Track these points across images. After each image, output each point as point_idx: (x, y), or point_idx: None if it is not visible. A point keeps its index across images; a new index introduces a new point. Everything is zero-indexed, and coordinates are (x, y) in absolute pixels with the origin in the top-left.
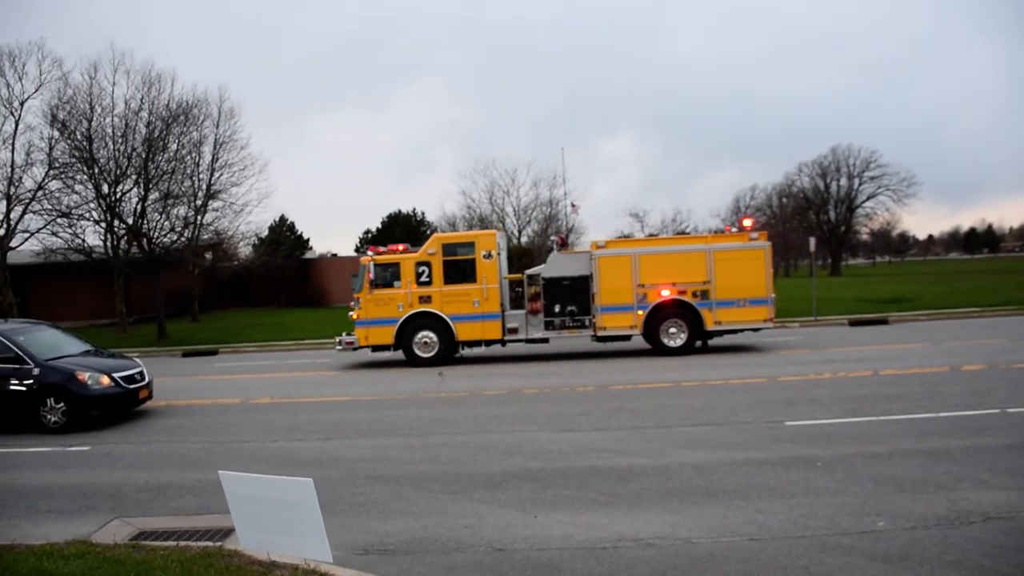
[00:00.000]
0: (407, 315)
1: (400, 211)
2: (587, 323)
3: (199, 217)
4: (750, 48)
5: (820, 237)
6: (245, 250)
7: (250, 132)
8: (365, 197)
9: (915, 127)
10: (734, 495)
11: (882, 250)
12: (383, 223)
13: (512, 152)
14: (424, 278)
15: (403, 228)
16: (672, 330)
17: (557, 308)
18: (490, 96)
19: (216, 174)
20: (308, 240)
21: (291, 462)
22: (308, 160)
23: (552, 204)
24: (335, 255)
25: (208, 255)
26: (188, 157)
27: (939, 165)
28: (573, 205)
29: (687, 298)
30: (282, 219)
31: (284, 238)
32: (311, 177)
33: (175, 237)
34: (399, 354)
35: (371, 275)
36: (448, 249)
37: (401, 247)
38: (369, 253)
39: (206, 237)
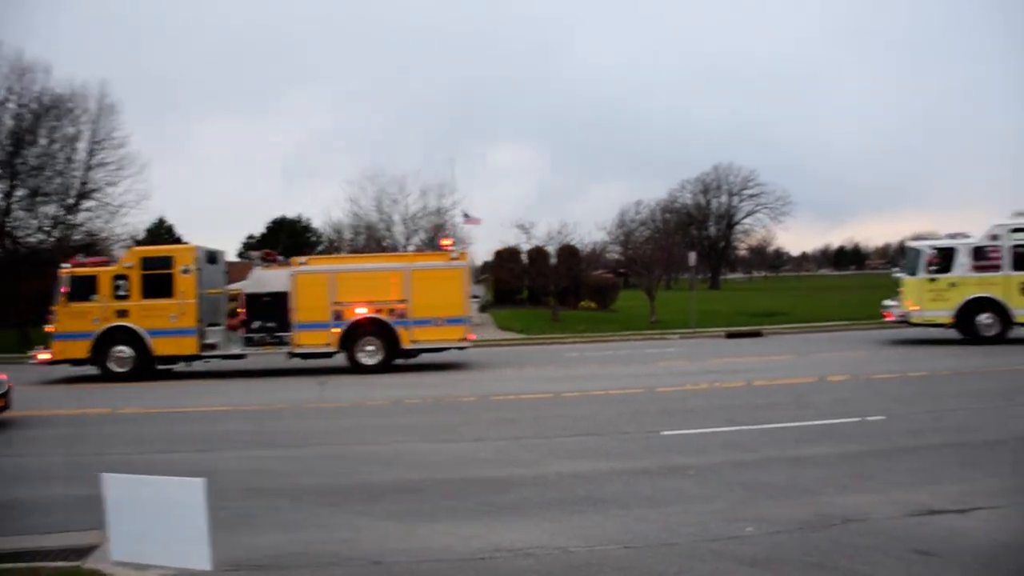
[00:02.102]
0: (103, 329)
1: (285, 217)
2: (285, 340)
3: (71, 217)
4: (642, 66)
5: (700, 252)
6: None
7: (130, 130)
8: (250, 202)
9: (793, 149)
10: (611, 504)
11: (759, 265)
12: (268, 229)
13: (404, 160)
14: (122, 292)
15: (288, 234)
16: (369, 348)
17: (257, 324)
18: (383, 103)
19: (91, 172)
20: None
21: (162, 476)
22: (191, 162)
23: (440, 213)
24: None
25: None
26: (60, 153)
27: (813, 186)
28: (467, 216)
29: (383, 316)
30: (160, 222)
31: (163, 241)
32: (194, 179)
33: (43, 237)
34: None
35: (67, 288)
36: (146, 263)
37: (101, 260)
38: (66, 265)
39: (78, 238)
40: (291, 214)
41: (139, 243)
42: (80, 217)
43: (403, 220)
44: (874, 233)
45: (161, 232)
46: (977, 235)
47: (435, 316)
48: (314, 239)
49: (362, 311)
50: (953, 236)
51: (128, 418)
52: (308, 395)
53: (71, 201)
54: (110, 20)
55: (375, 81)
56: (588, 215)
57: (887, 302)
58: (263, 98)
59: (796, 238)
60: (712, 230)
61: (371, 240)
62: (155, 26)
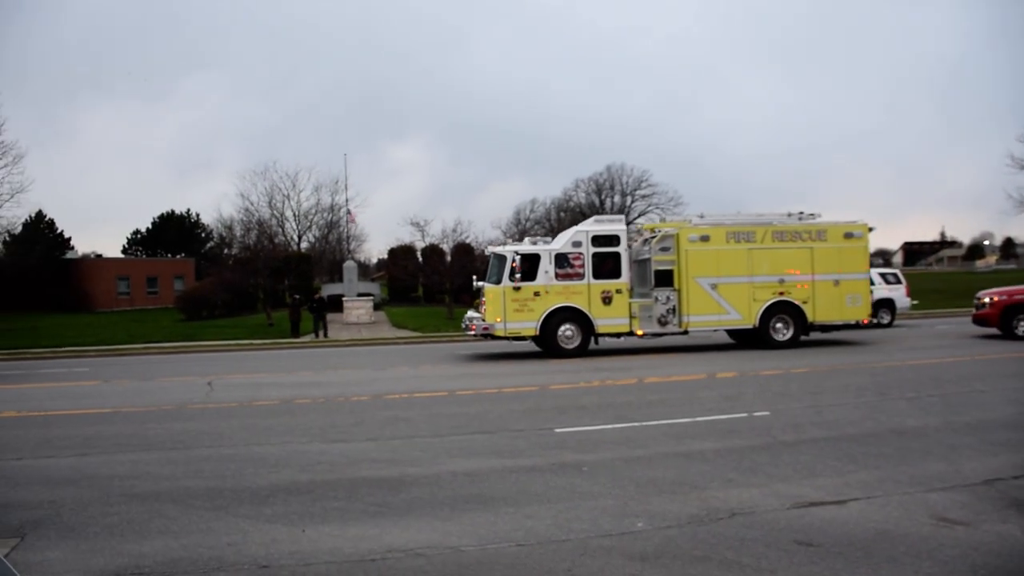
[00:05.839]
0: None
1: (173, 211)
2: None
3: None
4: (542, 63)
5: None
6: None
7: (3, 116)
8: (137, 195)
9: (687, 150)
10: (503, 502)
11: None
12: (154, 223)
13: (300, 155)
14: None
15: (176, 229)
16: None
17: None
18: (279, 95)
19: None
20: (70, 239)
21: (39, 481)
22: (73, 152)
23: (334, 210)
24: (100, 256)
25: None
26: None
27: (706, 186)
28: (350, 212)
29: None
30: (39, 215)
31: (41, 236)
32: (76, 170)
33: None
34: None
35: None
36: None
37: None
38: None
39: None
40: (180, 208)
41: (14, 237)
42: None
43: (295, 216)
44: None
45: (40, 226)
46: (561, 241)
47: None
48: (203, 235)
49: None
50: (535, 242)
51: (2, 422)
52: (194, 397)
53: None
54: None
55: (271, 72)
56: (485, 212)
57: (471, 314)
58: (154, 85)
59: None
60: None
61: (263, 236)
62: (35, 3)
